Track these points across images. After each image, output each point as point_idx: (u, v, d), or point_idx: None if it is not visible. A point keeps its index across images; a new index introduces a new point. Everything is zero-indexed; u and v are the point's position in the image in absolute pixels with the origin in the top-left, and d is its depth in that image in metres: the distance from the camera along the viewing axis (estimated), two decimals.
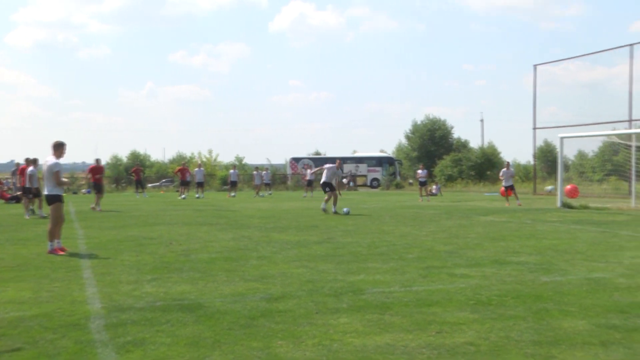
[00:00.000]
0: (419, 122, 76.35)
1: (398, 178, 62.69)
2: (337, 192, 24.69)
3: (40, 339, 6.20)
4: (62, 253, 12.45)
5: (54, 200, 13.17)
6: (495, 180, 58.43)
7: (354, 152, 69.82)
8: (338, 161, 26.10)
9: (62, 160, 13.27)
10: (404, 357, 5.61)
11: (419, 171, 39.23)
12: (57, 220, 12.97)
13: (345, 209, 23.67)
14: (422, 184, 38.54)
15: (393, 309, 7.49)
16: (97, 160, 28.17)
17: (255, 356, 5.62)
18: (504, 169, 30.79)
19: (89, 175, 29.29)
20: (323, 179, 24.60)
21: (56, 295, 8.44)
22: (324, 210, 24.04)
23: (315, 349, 5.86)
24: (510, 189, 29.94)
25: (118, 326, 6.70)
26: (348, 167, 63.73)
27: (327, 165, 25.12)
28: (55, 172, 13.08)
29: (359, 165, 64.33)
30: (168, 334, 6.36)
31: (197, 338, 6.22)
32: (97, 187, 27.67)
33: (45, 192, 13.59)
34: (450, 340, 6.18)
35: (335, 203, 23.93)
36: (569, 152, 32.97)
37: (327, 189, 24.23)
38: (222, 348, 5.88)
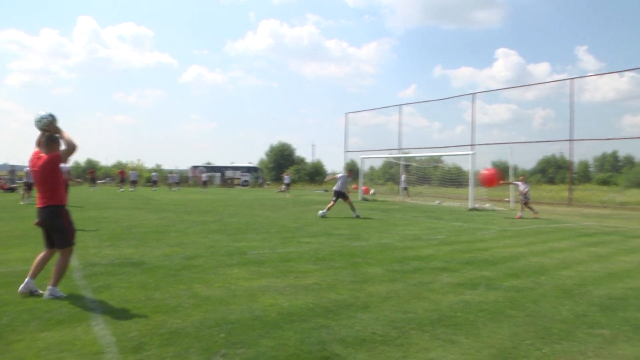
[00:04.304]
0: (274, 145, 76.34)
1: (260, 180, 62.43)
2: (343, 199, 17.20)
3: (42, 285, 5.92)
4: None
5: None
6: (322, 182, 59.50)
7: (232, 162, 68.80)
8: (349, 171, 18.42)
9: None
10: (276, 293, 5.73)
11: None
12: None
13: (320, 212, 16.55)
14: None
15: (266, 264, 7.56)
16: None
17: (183, 294, 5.59)
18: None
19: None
20: (336, 188, 17.27)
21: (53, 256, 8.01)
22: (323, 215, 16.28)
23: (220, 289, 5.89)
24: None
25: (92, 276, 6.47)
26: (229, 173, 63.14)
27: (340, 175, 17.59)
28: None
29: (235, 171, 63.63)
30: (125, 281, 6.21)
31: (144, 283, 6.11)
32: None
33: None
34: (303, 281, 6.35)
35: (353, 209, 16.87)
36: (366, 166, 34.08)
37: (336, 197, 17.14)
38: (161, 289, 5.81)
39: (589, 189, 48.24)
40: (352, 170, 18.39)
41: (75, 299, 5.34)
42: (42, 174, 5.37)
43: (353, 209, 16.87)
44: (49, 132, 5.44)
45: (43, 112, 5.40)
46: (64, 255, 5.50)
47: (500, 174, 20.13)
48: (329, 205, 17.07)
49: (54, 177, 5.41)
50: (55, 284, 5.40)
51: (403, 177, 30.50)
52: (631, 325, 4.76)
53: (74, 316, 4.70)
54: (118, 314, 4.79)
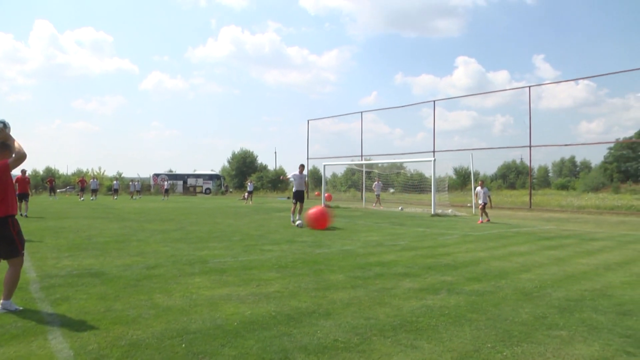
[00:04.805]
0: (236, 152, 75.94)
1: (223, 188, 62.03)
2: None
3: None
4: None
5: None
6: (284, 190, 59.46)
7: (194, 170, 68.10)
8: (301, 167, 16.64)
9: None
10: (238, 301, 5.71)
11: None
12: None
13: (298, 223, 15.56)
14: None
15: (228, 272, 7.53)
16: (23, 172, 23.02)
17: (143, 305, 5.52)
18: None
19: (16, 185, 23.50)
20: (295, 189, 16.51)
21: (2, 268, 7.78)
22: (300, 225, 15.40)
23: (181, 298, 5.84)
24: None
25: (49, 288, 6.33)
26: (191, 181, 62.57)
27: (293, 174, 16.60)
28: None
29: (197, 179, 63.12)
30: (84, 292, 6.10)
31: (103, 294, 6.01)
32: (24, 196, 19.53)
33: None
34: (265, 290, 6.35)
35: (300, 212, 16.19)
36: (328, 173, 34.24)
37: (296, 200, 16.37)
38: (121, 300, 5.73)
39: (548, 193, 49.68)
40: (303, 165, 16.91)
41: (31, 312, 5.21)
42: None
43: (300, 213, 16.11)
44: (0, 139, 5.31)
45: None
46: (14, 267, 5.37)
47: (327, 214, 15.34)
48: (291, 209, 16.55)
49: (2, 185, 5.27)
50: (8, 297, 5.26)
51: (376, 184, 30.71)
52: (587, 325, 4.93)
53: (30, 330, 4.59)
54: (76, 326, 4.70)
